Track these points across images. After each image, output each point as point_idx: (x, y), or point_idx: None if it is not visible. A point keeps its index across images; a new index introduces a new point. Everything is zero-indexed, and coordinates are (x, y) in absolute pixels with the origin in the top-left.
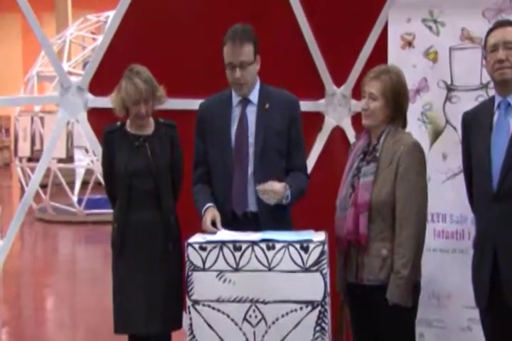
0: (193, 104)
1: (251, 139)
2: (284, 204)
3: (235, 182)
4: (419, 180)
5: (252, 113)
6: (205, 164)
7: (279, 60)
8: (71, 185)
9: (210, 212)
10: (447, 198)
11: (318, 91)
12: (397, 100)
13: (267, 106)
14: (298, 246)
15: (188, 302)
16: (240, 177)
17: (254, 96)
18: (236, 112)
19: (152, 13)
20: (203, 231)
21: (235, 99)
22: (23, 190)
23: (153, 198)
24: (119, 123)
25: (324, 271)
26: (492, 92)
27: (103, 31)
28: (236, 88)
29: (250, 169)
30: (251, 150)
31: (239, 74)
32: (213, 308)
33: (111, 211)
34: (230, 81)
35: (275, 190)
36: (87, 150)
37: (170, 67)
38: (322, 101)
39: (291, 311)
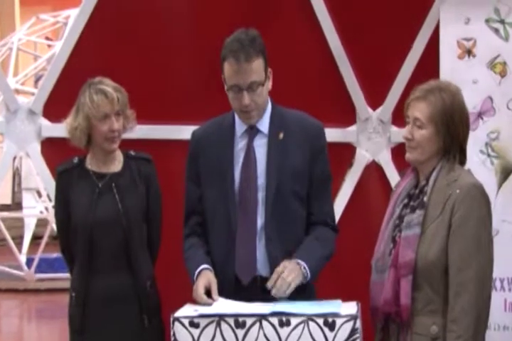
0: (177, 131)
1: (260, 181)
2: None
3: (239, 239)
4: (481, 233)
5: (261, 146)
6: (199, 213)
7: (297, 76)
8: (18, 240)
9: (204, 277)
10: None
11: (347, 115)
12: (451, 127)
13: (281, 135)
14: (321, 321)
15: None
16: (245, 232)
17: (263, 123)
18: (240, 145)
19: (127, 14)
20: (194, 301)
21: (240, 127)
22: None
23: (123, 258)
24: (76, 158)
25: None
26: None
27: (62, 36)
28: (243, 117)
29: (260, 220)
30: (260, 195)
31: (248, 99)
32: None
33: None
34: (236, 108)
35: (286, 276)
36: (39, 194)
37: (149, 84)
38: (353, 128)
39: None
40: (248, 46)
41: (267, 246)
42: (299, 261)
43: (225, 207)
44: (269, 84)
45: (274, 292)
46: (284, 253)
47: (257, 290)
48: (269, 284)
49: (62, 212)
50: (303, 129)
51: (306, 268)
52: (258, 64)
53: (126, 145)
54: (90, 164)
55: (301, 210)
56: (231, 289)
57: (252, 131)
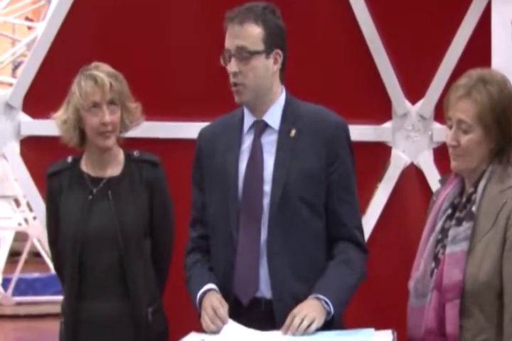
0: (182, 129)
1: (267, 186)
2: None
3: (240, 253)
4: None
5: (270, 144)
6: (205, 223)
7: (326, 65)
8: None
9: (212, 297)
10: None
11: (381, 109)
12: (503, 124)
13: (294, 132)
14: None
15: None
16: (247, 245)
17: (273, 116)
18: (247, 142)
19: None
20: (200, 328)
21: (247, 121)
22: None
23: (118, 281)
24: (70, 158)
25: None
26: None
27: (45, 16)
28: (234, 92)
29: (264, 232)
30: (266, 202)
31: (235, 67)
32: None
33: (56, 298)
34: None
35: (303, 315)
36: (17, 203)
37: (150, 74)
38: (388, 124)
39: None
40: (246, 11)
41: (269, 262)
42: (319, 295)
43: (226, 216)
44: (272, 65)
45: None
46: (291, 273)
47: (260, 315)
48: (282, 330)
49: (54, 223)
50: (320, 126)
51: (329, 303)
52: (253, 30)
53: (124, 144)
54: (85, 166)
55: (314, 222)
56: (230, 311)
57: (259, 125)
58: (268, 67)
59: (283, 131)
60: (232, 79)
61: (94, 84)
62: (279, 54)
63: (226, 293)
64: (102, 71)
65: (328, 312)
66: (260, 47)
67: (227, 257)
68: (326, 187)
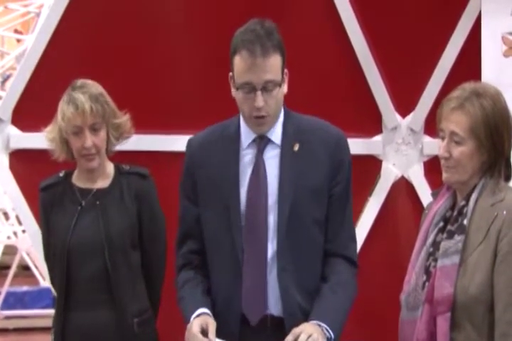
0: (170, 142)
1: (271, 200)
2: None
3: (246, 270)
4: None
5: (272, 158)
6: (196, 237)
7: (316, 79)
8: None
9: (201, 318)
10: None
11: (371, 123)
12: (496, 138)
13: (297, 147)
14: None
15: None
16: (254, 262)
17: (275, 132)
18: (247, 157)
19: (111, 6)
20: None
21: (246, 136)
22: None
23: (104, 291)
24: (62, 172)
25: None
26: None
27: (34, 29)
28: (254, 123)
29: (271, 248)
30: (272, 217)
31: (261, 101)
32: None
33: (46, 312)
34: (245, 112)
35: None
36: (6, 216)
37: (137, 87)
38: (378, 138)
39: None
40: (265, 38)
41: (279, 277)
42: (319, 322)
43: (229, 232)
44: (284, 88)
45: None
46: (299, 288)
47: (267, 333)
48: None
49: (47, 236)
50: (322, 140)
51: (329, 330)
52: (275, 60)
53: (113, 157)
54: (76, 179)
55: (318, 237)
56: (236, 330)
57: (262, 141)
58: (283, 90)
59: (285, 146)
60: (255, 113)
61: (75, 110)
62: (286, 73)
63: (232, 311)
64: (85, 93)
65: (329, 339)
66: (280, 76)
67: (232, 275)
68: (327, 199)
